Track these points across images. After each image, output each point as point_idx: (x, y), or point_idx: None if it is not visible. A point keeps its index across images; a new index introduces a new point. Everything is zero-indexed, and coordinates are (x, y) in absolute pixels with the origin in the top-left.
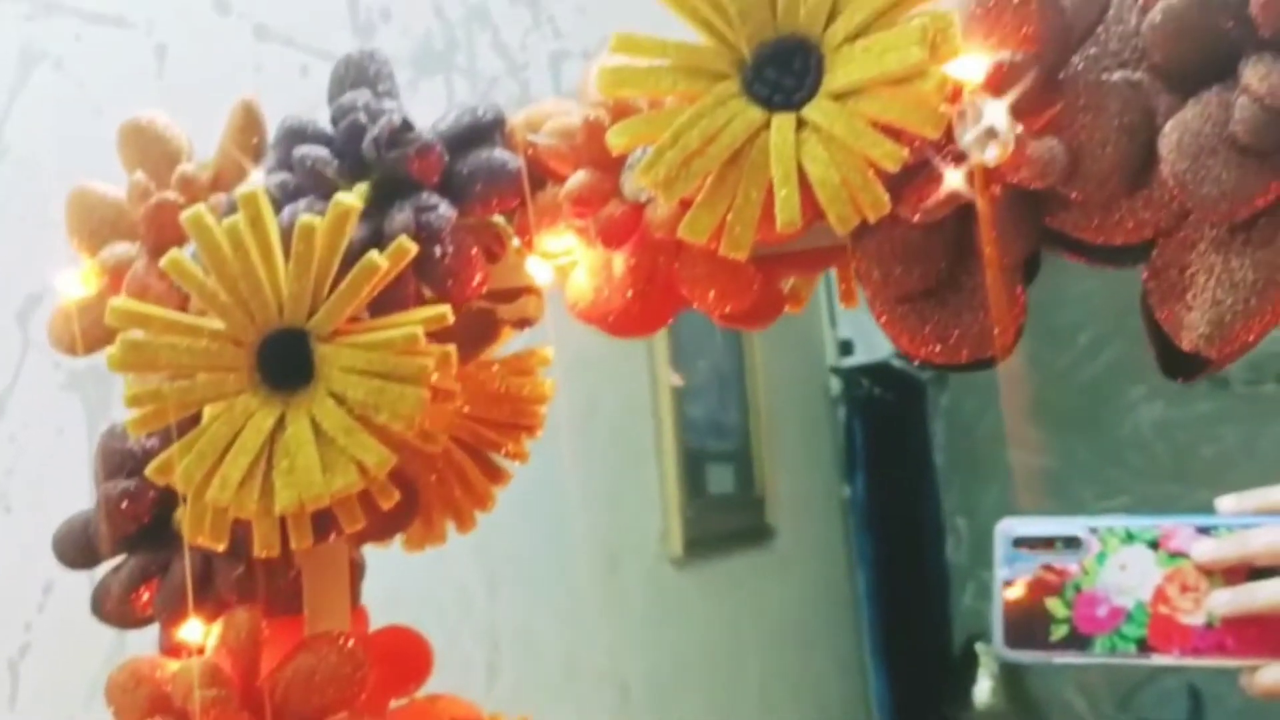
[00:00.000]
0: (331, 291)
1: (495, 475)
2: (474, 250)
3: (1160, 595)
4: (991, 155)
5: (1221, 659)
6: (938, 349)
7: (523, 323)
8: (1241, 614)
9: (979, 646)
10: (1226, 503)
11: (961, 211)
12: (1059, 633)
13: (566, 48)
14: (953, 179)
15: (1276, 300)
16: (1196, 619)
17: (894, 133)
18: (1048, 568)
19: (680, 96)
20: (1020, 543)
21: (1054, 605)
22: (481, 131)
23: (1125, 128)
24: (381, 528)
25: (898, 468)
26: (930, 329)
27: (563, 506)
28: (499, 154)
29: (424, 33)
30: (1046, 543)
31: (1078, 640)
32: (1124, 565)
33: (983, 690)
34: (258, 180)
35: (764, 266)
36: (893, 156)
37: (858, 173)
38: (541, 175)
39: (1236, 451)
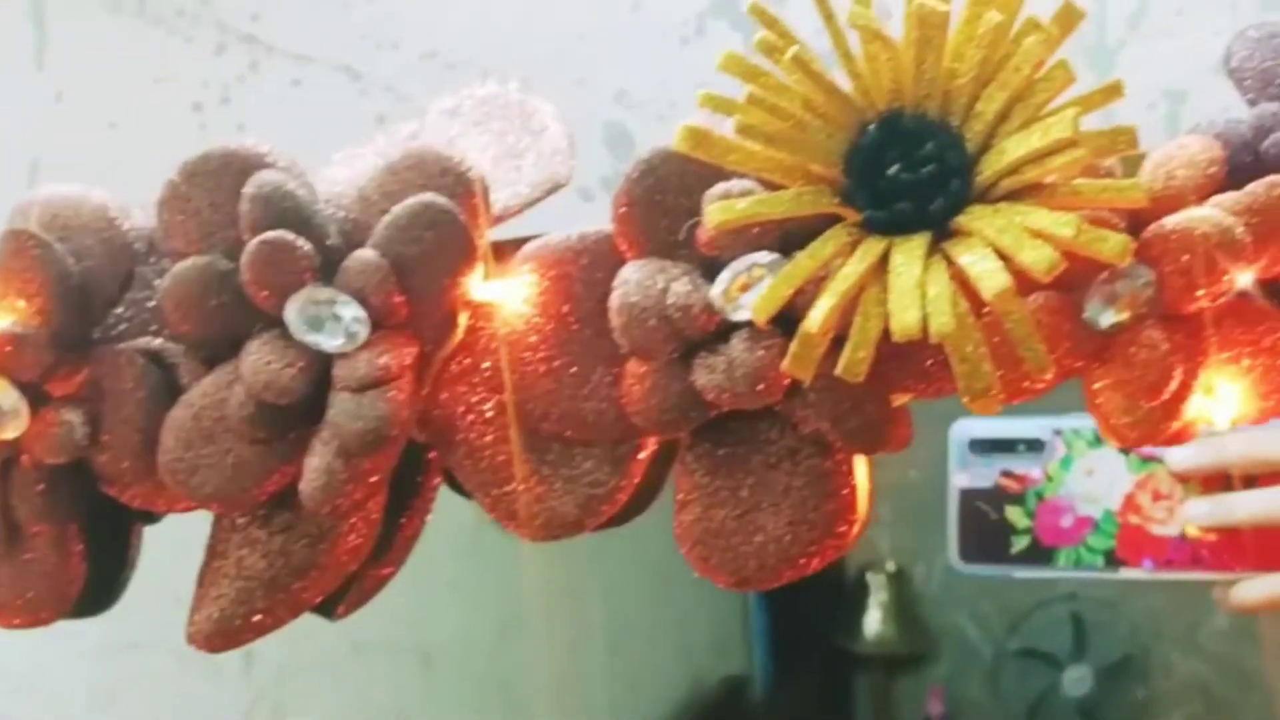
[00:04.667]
0: None
1: None
2: None
3: (1130, 504)
4: (8, 429)
5: (1196, 572)
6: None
7: None
8: (1220, 526)
9: (869, 575)
10: (1178, 454)
11: None
12: (1019, 544)
13: None
14: None
15: (289, 597)
16: (1169, 530)
17: None
18: (1008, 473)
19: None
20: (977, 446)
21: (1014, 514)
22: None
23: (142, 401)
24: None
25: None
26: None
27: None
28: None
29: None
30: (1007, 446)
31: (1039, 552)
32: (1091, 470)
33: (873, 620)
34: None
35: None
36: None
37: None
38: None
39: None
